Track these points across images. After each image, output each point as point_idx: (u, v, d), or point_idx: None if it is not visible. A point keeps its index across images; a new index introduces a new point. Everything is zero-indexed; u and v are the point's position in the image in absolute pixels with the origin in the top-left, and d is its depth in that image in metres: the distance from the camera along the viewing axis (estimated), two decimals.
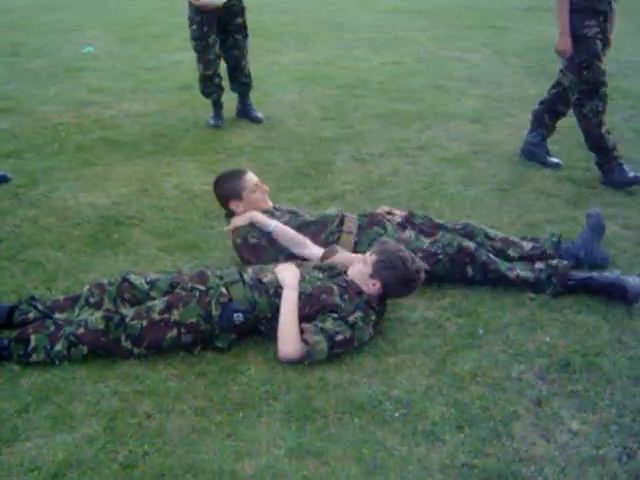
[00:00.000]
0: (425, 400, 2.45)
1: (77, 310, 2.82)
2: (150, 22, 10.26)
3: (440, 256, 3.14)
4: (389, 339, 2.81)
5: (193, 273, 2.94)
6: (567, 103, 4.42)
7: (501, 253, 3.23)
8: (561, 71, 4.37)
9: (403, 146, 5.03)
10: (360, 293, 2.82)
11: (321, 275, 2.89)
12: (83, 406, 2.43)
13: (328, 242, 3.22)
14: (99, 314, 2.71)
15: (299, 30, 9.48)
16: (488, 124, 5.49)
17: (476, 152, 4.90)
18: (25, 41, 8.76)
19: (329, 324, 2.67)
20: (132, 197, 4.20)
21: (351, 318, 2.71)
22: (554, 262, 3.13)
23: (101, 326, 2.66)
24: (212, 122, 5.49)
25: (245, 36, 5.36)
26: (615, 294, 2.99)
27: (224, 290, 2.77)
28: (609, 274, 3.08)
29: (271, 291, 2.79)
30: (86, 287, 2.89)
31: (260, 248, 3.17)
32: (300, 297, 2.76)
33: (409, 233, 3.27)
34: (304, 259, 3.11)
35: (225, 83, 5.51)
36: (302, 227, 3.26)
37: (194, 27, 5.18)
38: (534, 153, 4.65)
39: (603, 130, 4.22)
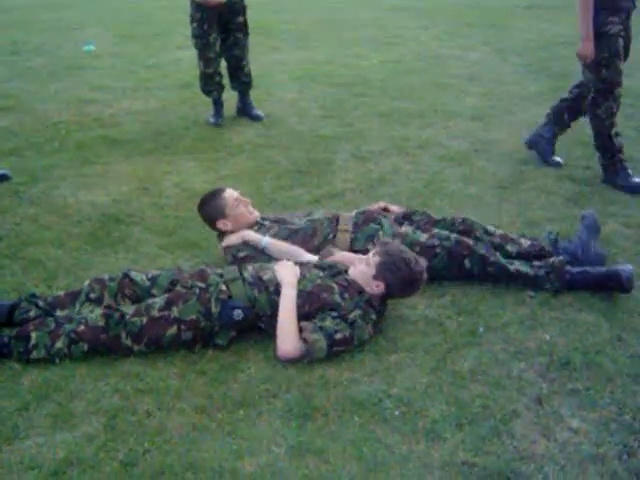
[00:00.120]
0: (425, 398, 2.45)
1: (78, 306, 2.82)
2: (150, 20, 10.26)
3: (438, 249, 3.14)
4: (389, 337, 2.81)
5: (193, 271, 2.95)
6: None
7: (499, 248, 3.24)
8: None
9: (403, 144, 5.02)
10: (361, 292, 2.82)
11: (321, 274, 2.90)
12: (83, 404, 2.43)
13: (322, 246, 3.24)
14: (99, 311, 2.71)
15: (299, 28, 9.48)
16: (488, 122, 5.49)
17: (476, 150, 4.90)
18: (25, 39, 8.76)
19: (328, 322, 2.68)
20: (132, 195, 4.20)
21: (351, 316, 2.71)
22: (551, 259, 3.14)
23: (101, 323, 2.66)
24: (212, 120, 5.48)
25: (246, 35, 5.36)
26: (610, 284, 3.03)
27: (224, 287, 2.78)
28: (602, 267, 3.12)
29: (271, 289, 2.79)
30: (86, 282, 2.89)
31: (251, 259, 3.19)
32: (300, 295, 2.76)
33: (406, 228, 3.28)
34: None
35: (225, 81, 5.51)
36: (291, 235, 3.28)
37: (195, 25, 5.18)
38: (540, 147, 4.60)
39: (613, 132, 4.20)
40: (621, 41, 4.05)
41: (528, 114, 5.59)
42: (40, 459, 2.19)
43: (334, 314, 2.71)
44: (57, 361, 2.62)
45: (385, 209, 3.54)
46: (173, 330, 2.68)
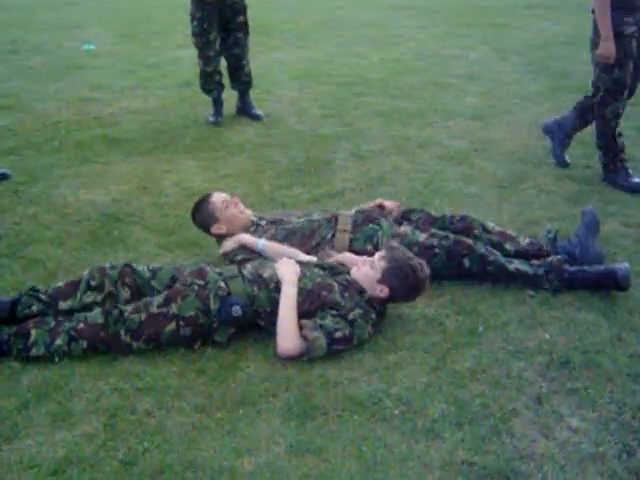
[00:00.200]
0: (425, 397, 2.45)
1: (79, 295, 2.82)
2: (150, 19, 10.26)
3: (437, 249, 3.14)
4: (389, 336, 2.81)
5: (192, 269, 2.95)
6: None
7: (498, 246, 3.24)
8: None
9: (403, 144, 5.02)
10: (361, 292, 2.82)
11: (322, 272, 2.90)
12: (83, 403, 2.43)
13: (321, 246, 3.24)
14: (98, 310, 2.72)
15: (299, 28, 9.48)
16: (488, 122, 5.49)
17: (476, 149, 4.90)
18: (25, 38, 8.76)
19: (328, 321, 2.68)
20: (132, 194, 4.20)
21: (351, 315, 2.72)
22: (550, 259, 3.14)
23: (100, 321, 2.66)
24: (212, 119, 5.48)
25: (246, 34, 5.35)
26: (607, 283, 3.03)
27: (223, 284, 2.78)
28: (600, 266, 3.13)
29: (271, 286, 2.80)
30: (86, 271, 2.90)
31: (249, 261, 3.18)
32: (300, 293, 2.76)
33: (405, 228, 3.28)
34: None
35: (225, 81, 5.51)
36: (289, 237, 3.28)
37: (195, 23, 5.18)
38: (556, 136, 4.54)
39: (616, 132, 4.20)
40: (634, 42, 4.01)
41: (528, 113, 5.59)
42: (40, 458, 2.19)
43: (334, 312, 2.72)
44: (56, 360, 2.62)
45: (380, 206, 3.54)
46: (172, 326, 2.69)
